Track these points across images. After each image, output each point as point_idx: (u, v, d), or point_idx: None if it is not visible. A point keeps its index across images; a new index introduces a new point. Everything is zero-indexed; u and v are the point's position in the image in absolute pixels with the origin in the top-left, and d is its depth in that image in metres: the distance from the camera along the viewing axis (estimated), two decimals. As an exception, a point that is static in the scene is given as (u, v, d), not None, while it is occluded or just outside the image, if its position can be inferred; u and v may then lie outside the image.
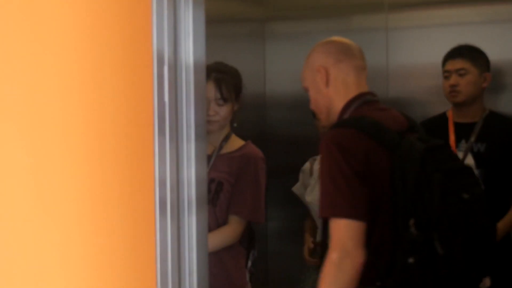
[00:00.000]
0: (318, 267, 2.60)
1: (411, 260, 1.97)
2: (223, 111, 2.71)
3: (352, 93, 2.22)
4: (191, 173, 1.77)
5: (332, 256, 1.98)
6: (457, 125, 3.41)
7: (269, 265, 4.15)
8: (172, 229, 1.69)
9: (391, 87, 3.91)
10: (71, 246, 1.40)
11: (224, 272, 2.68)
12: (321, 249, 2.24)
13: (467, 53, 3.39)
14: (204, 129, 1.82)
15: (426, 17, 3.81)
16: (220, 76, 2.68)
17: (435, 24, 3.79)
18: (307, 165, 3.61)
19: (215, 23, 3.62)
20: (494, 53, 3.48)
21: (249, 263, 2.81)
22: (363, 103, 2.21)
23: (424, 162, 2.00)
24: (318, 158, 3.54)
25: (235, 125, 2.80)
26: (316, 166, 3.51)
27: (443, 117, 3.49)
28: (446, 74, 3.41)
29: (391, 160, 2.03)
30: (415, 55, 3.84)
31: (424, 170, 1.99)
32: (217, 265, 2.60)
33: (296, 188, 3.61)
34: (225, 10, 3.77)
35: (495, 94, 3.63)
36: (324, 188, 2.03)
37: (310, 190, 3.44)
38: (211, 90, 2.66)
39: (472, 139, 3.34)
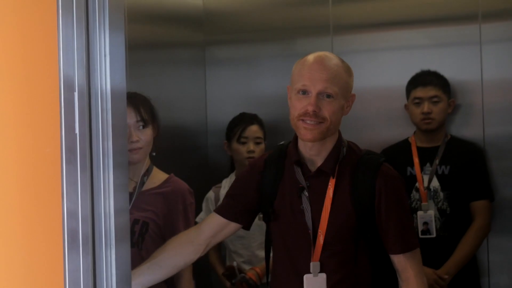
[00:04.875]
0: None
1: None
2: (145, 135, 2.58)
3: None
4: (109, 203, 1.70)
5: (424, 281, 2.24)
6: (420, 150, 3.46)
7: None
8: (85, 263, 1.62)
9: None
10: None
11: None
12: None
13: (437, 80, 3.44)
14: (125, 158, 1.75)
15: (372, 40, 3.77)
16: (136, 100, 2.60)
17: (381, 47, 3.75)
18: (211, 194, 3.53)
19: (154, 48, 3.55)
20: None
21: None
22: None
23: None
24: (223, 184, 3.48)
25: (154, 154, 2.66)
26: (223, 191, 3.42)
27: (405, 143, 3.52)
28: (417, 101, 3.43)
29: None
30: (361, 78, 3.79)
31: None
32: None
33: (200, 218, 3.44)
34: (164, 35, 3.70)
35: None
36: (407, 224, 2.28)
37: None
38: (130, 114, 2.54)
39: (437, 161, 3.39)
